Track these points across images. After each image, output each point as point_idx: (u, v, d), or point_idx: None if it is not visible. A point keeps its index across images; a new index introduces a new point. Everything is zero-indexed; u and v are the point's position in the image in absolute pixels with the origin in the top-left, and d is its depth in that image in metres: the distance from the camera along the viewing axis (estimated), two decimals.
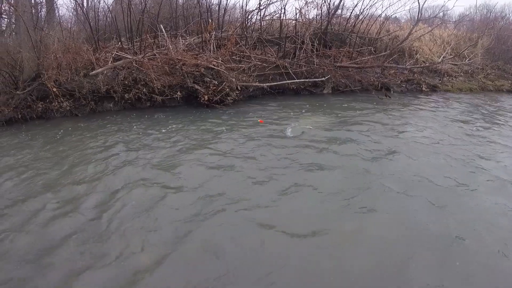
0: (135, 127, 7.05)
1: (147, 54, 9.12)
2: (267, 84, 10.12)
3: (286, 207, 3.98)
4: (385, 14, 14.69)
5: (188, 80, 8.80)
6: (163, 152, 5.61)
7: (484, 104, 11.79)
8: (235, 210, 3.90)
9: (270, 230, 3.56)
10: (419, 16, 13.81)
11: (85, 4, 13.53)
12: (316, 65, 11.38)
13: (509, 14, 27.42)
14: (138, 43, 9.84)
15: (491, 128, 8.10)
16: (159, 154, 5.51)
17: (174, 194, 4.22)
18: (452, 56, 15.43)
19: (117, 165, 5.00)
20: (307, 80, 11.08)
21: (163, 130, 6.83)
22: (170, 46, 9.60)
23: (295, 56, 11.52)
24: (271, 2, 12.28)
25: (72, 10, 13.09)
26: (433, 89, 14.19)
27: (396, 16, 20.20)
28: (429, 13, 15.70)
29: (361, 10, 13.55)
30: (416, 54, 14.89)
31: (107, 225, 3.61)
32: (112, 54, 9.21)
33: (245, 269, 3.03)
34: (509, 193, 4.55)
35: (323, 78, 11.26)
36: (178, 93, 8.70)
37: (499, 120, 9.17)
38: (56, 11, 13.08)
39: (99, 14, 11.75)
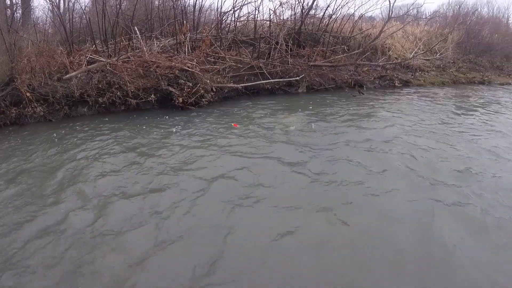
0: (106, 133, 7.01)
1: (121, 57, 9.20)
2: (242, 84, 10.32)
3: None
4: (358, 13, 14.98)
5: (163, 83, 8.91)
6: (131, 156, 5.65)
7: (446, 95, 12.23)
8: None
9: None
10: (390, 14, 14.17)
11: (61, 6, 13.45)
12: (291, 64, 11.65)
13: (480, 9, 28.22)
14: (113, 46, 9.87)
15: (449, 118, 8.54)
16: (127, 159, 5.53)
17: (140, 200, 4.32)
18: (423, 52, 15.83)
19: (84, 174, 4.98)
20: (281, 80, 11.34)
21: (135, 135, 6.83)
22: (145, 48, 9.69)
23: (269, 57, 11.76)
24: (245, 3, 12.46)
25: (48, 11, 13.01)
26: (406, 84, 14.64)
27: (371, 15, 20.62)
28: (403, 11, 16.00)
29: (334, 10, 13.85)
30: (388, 51, 15.31)
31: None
32: (86, 57, 9.23)
33: None
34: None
35: (298, 78, 11.55)
36: (152, 96, 8.76)
37: (459, 109, 9.60)
38: (31, 13, 13.01)
39: (75, 16, 11.70)
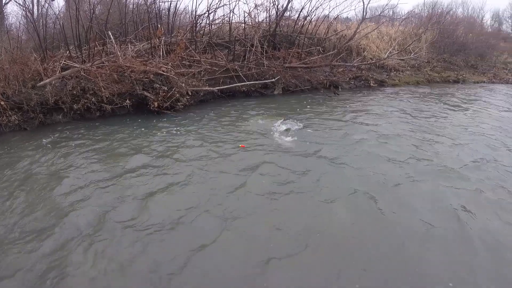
0: (78, 140, 7.04)
1: (95, 62, 9.28)
2: (218, 87, 10.53)
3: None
4: (333, 15, 15.35)
5: (137, 87, 9.04)
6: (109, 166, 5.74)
7: (419, 93, 12.65)
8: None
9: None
10: (364, 14, 14.56)
11: (35, 12, 13.43)
12: (266, 67, 11.92)
13: (455, 9, 28.92)
14: (87, 51, 9.96)
15: (415, 114, 8.93)
16: (105, 167, 5.62)
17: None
18: (398, 52, 16.27)
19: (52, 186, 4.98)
20: (257, 82, 11.59)
21: (108, 142, 6.90)
22: (119, 53, 9.81)
23: (245, 59, 12.03)
24: (219, 5, 12.67)
25: (21, 18, 13.01)
26: (381, 84, 15.07)
27: (347, 17, 21.05)
28: (378, 12, 16.43)
29: (309, 12, 14.15)
30: (363, 51, 15.72)
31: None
32: (60, 63, 9.27)
33: None
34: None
35: (273, 80, 11.82)
36: (127, 101, 8.86)
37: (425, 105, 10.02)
38: (4, 20, 12.98)
39: (48, 22, 11.72)
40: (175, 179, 5.10)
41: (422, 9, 26.19)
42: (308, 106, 10.15)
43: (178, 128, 7.78)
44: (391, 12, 19.96)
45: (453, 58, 20.77)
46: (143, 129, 7.77)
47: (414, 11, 23.48)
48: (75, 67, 9.07)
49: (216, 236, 3.73)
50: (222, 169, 5.45)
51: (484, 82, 20.75)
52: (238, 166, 5.52)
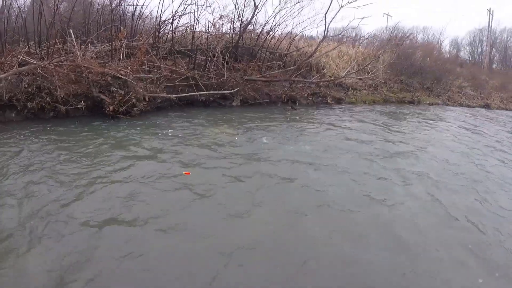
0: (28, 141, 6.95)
1: (53, 60, 9.33)
2: (176, 95, 10.84)
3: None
4: (295, 31, 16.03)
5: (94, 89, 9.18)
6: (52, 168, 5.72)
7: (372, 112, 13.45)
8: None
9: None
10: (326, 33, 15.29)
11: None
12: (226, 77, 12.38)
13: (416, 35, 30.62)
14: (46, 48, 9.99)
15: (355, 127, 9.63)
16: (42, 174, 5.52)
17: None
18: (356, 71, 17.11)
19: None
20: (216, 92, 11.98)
21: (57, 145, 6.80)
22: (78, 52, 9.90)
23: (205, 68, 12.39)
24: (185, 12, 12.98)
25: None
26: (338, 101, 15.91)
27: (311, 36, 21.89)
28: (344, 32, 17.26)
29: (272, 27, 14.72)
30: (323, 69, 16.43)
31: None
32: (18, 58, 9.22)
33: None
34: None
35: (232, 91, 12.26)
36: (82, 102, 8.96)
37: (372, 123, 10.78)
38: None
39: (12, 14, 11.61)
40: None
41: (383, 32, 27.59)
42: (260, 120, 10.58)
43: (130, 135, 7.83)
44: (353, 34, 20.89)
45: (410, 80, 22.05)
46: (92, 133, 7.76)
47: (375, 34, 24.68)
48: (33, 63, 9.07)
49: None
50: (163, 188, 5.33)
51: (439, 104, 22.17)
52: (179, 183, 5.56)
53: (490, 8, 42.14)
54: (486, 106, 25.15)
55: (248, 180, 5.75)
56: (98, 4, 13.31)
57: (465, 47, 50.09)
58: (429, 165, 7.48)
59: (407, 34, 24.68)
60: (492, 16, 42.52)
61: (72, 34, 10.66)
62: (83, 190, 4.94)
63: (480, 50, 48.19)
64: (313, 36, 21.71)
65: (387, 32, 25.95)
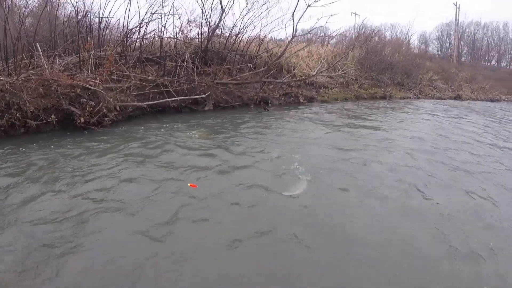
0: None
1: (21, 76, 9.39)
2: (147, 103, 11.01)
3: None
4: (264, 33, 16.41)
5: (64, 102, 9.26)
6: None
7: (343, 109, 13.93)
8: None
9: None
10: (294, 33, 15.71)
11: None
12: (197, 82, 12.68)
13: (384, 32, 31.65)
14: (13, 64, 10.00)
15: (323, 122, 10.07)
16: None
17: None
18: (326, 69, 17.60)
19: None
20: (187, 97, 12.24)
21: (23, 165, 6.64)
22: (46, 65, 10.00)
23: (175, 75, 12.62)
24: (151, 19, 13.18)
25: None
26: (311, 100, 16.39)
27: (280, 38, 22.43)
28: (312, 33, 17.77)
29: (240, 29, 15.06)
30: (294, 69, 16.85)
31: None
32: None
33: None
34: None
35: (204, 95, 12.54)
36: (52, 116, 9.00)
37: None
38: None
39: None
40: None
41: (352, 31, 28.38)
42: (232, 123, 10.96)
43: (101, 146, 7.92)
44: (322, 33, 21.45)
45: (380, 76, 22.76)
46: (62, 148, 7.72)
47: (344, 34, 25.31)
48: (0, 80, 9.10)
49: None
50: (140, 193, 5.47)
51: (410, 98, 22.95)
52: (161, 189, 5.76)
53: (456, 2, 43.55)
54: (457, 98, 26.26)
55: (223, 183, 6.04)
56: (64, 17, 13.36)
57: (434, 41, 52.12)
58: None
59: (376, 31, 25.37)
60: (459, 9, 44.04)
61: (39, 48, 10.76)
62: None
63: (448, 44, 50.15)
64: (282, 38, 22.22)
65: (356, 30, 26.60)
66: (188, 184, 5.71)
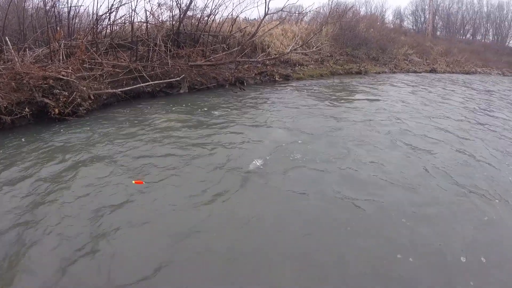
0: None
1: None
2: (120, 89, 11.04)
3: None
4: (236, 12, 16.50)
5: (37, 94, 9.26)
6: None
7: (318, 85, 14.25)
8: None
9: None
10: (266, 11, 15.88)
11: None
12: (171, 66, 12.76)
13: (358, 8, 31.91)
14: None
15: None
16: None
17: None
18: (300, 46, 17.81)
19: None
20: (161, 81, 12.33)
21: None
22: (16, 59, 9.97)
23: (148, 59, 12.71)
24: (121, 4, 13.12)
25: None
26: (286, 78, 16.66)
27: (255, 18, 22.48)
28: (285, 12, 17.88)
29: (212, 10, 15.12)
30: (268, 48, 17.03)
31: None
32: None
33: None
34: None
35: (178, 78, 12.66)
36: (26, 109, 8.96)
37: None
38: None
39: None
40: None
41: (327, 7, 28.48)
42: (207, 104, 11.25)
43: (76, 137, 7.98)
44: (295, 11, 21.57)
45: (355, 51, 23.10)
46: (37, 141, 7.79)
47: (318, 9, 25.47)
48: None
49: None
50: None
51: (385, 72, 23.36)
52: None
53: None
54: (433, 71, 26.86)
55: (204, 163, 6.36)
56: (32, 8, 13.25)
57: (408, 16, 52.75)
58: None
59: (349, 7, 25.60)
60: None
61: (9, 42, 10.69)
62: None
63: (423, 18, 50.71)
64: (256, 18, 22.29)
65: (330, 6, 26.80)
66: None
